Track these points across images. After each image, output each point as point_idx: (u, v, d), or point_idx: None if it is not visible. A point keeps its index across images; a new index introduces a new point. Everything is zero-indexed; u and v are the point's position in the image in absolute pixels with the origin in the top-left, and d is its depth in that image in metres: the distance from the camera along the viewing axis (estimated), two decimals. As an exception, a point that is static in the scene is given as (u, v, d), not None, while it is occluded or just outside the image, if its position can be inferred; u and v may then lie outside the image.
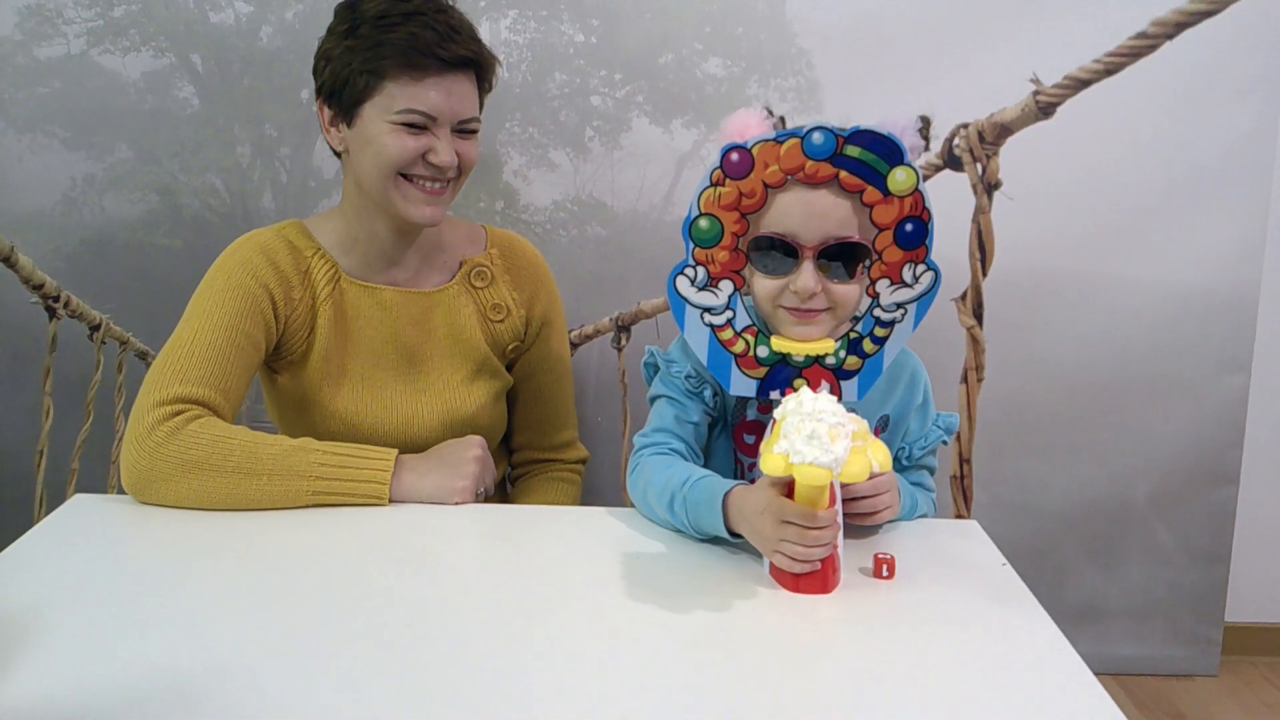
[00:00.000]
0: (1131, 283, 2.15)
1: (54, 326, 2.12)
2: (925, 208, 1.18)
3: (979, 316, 2.13)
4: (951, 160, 2.06)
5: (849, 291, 1.25)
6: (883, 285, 1.22)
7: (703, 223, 1.20)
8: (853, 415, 1.10)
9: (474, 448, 1.45)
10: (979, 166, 2.06)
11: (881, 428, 1.49)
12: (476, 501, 1.42)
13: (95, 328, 2.13)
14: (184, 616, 1.09)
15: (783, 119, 1.49)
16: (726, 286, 1.23)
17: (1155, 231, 2.13)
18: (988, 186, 2.07)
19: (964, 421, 2.19)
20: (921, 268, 1.21)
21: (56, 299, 2.11)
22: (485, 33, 2.00)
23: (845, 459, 1.05)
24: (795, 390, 1.19)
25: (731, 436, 1.50)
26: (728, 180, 1.18)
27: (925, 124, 1.44)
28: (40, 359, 2.14)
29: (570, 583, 1.18)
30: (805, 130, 1.14)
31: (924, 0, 2.03)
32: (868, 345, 1.25)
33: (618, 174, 2.12)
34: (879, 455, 1.10)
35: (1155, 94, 2.06)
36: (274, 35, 2.02)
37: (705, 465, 1.40)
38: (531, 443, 1.71)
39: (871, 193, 1.16)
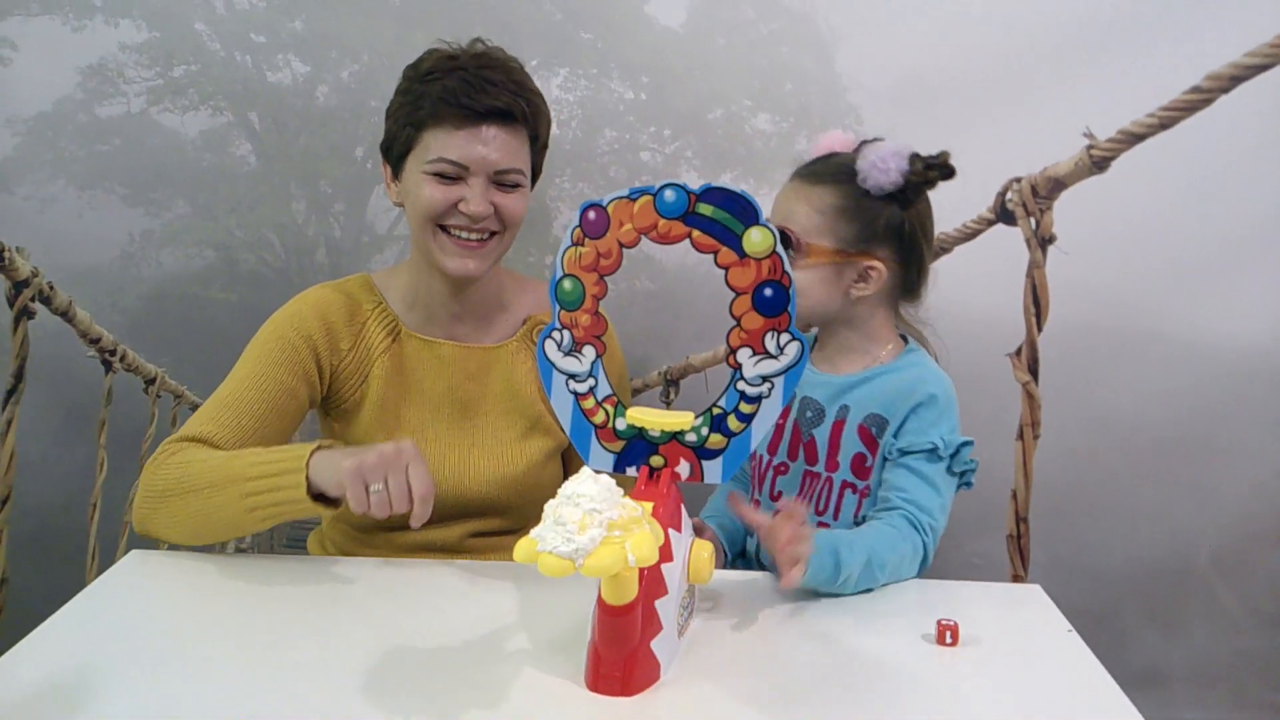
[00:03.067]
0: (1191, 338, 2.12)
1: (110, 380, 2.15)
2: (785, 271, 1.07)
3: (1034, 372, 2.10)
4: (1004, 214, 2.05)
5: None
6: (744, 355, 1.11)
7: (566, 284, 1.13)
8: (625, 502, 0.99)
9: (394, 444, 1.26)
10: (1032, 221, 2.04)
11: (880, 428, 1.43)
12: (370, 498, 1.21)
13: (150, 381, 2.15)
14: (243, 671, 1.08)
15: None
16: (589, 352, 1.15)
17: (1214, 286, 2.09)
18: (1042, 241, 2.05)
19: (1020, 480, 2.14)
20: (785, 337, 1.10)
21: (113, 353, 2.14)
22: (536, 91, 2.03)
23: (590, 549, 0.94)
24: (651, 466, 1.14)
25: None
26: (586, 240, 1.11)
27: (934, 159, 1.42)
28: (96, 412, 2.17)
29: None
30: (658, 188, 1.08)
31: (974, 55, 2.03)
32: (733, 423, 1.13)
33: (667, 229, 2.13)
34: (639, 549, 0.96)
35: (1211, 148, 2.04)
36: (329, 94, 2.06)
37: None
38: None
39: (726, 254, 1.07)
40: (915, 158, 1.40)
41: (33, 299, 2.11)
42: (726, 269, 1.08)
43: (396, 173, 1.48)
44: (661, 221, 1.08)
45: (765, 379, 1.11)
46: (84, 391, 2.16)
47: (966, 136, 2.05)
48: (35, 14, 2.07)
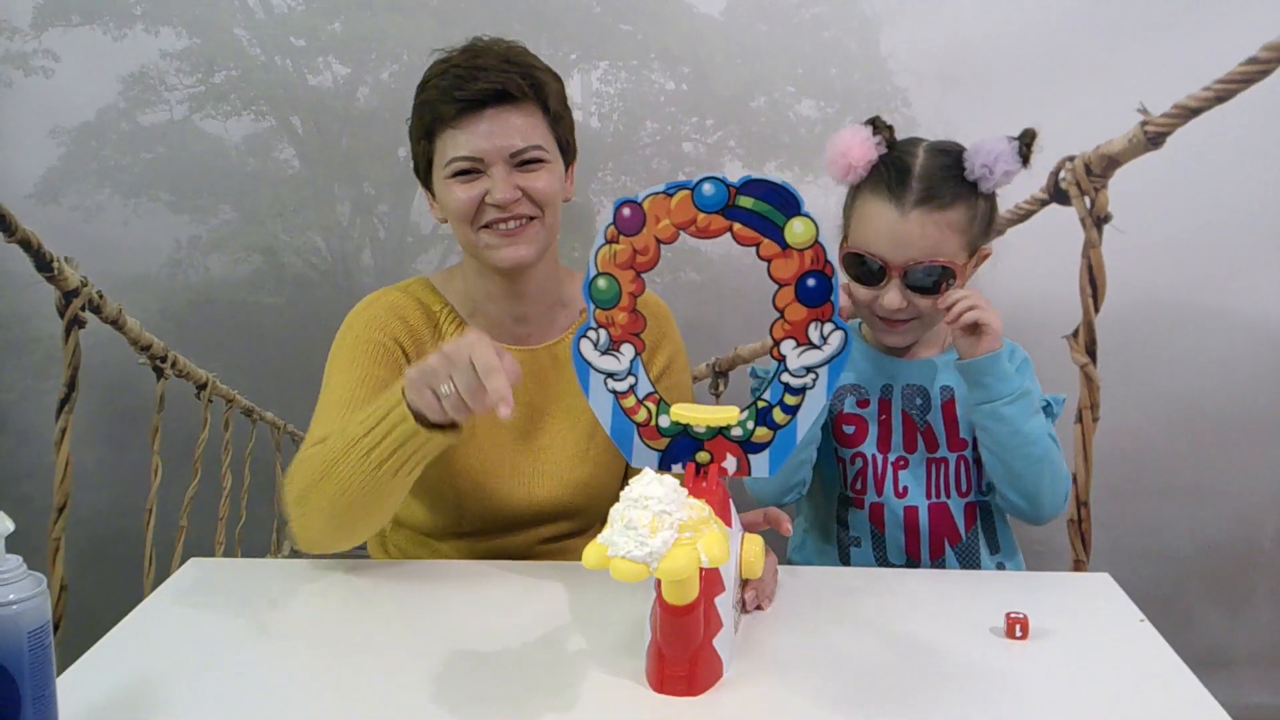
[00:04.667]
0: (1250, 314, 2.07)
1: (161, 386, 2.17)
2: (828, 261, 1.07)
3: (1092, 354, 2.06)
4: (1058, 194, 2.01)
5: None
6: (788, 347, 1.11)
7: (601, 282, 1.11)
8: (692, 502, 0.98)
9: (454, 339, 1.19)
10: (1087, 200, 2.00)
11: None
12: (443, 403, 1.15)
13: (201, 386, 2.17)
14: (310, 677, 1.08)
15: (891, 129, 1.49)
16: (628, 351, 1.13)
17: (1274, 261, 2.04)
18: (1097, 220, 2.01)
19: (1080, 463, 2.11)
20: (829, 327, 1.10)
21: (164, 359, 2.15)
22: (576, 85, 2.01)
23: (664, 553, 0.94)
24: (697, 463, 1.13)
25: (831, 430, 1.53)
26: (621, 237, 1.10)
27: (1026, 140, 1.43)
28: (148, 418, 2.18)
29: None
30: (695, 182, 1.07)
31: (1023, 32, 1.99)
32: (778, 415, 1.13)
33: (711, 219, 2.11)
34: (711, 549, 0.96)
35: (1268, 121, 1.98)
36: (370, 96, 2.06)
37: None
38: None
39: (768, 246, 1.07)
40: (1019, 145, 1.43)
41: (83, 308, 2.13)
42: (769, 261, 1.08)
43: (431, 190, 1.46)
44: (701, 216, 1.07)
45: (810, 370, 1.12)
46: (136, 399, 2.17)
47: (1017, 116, 1.98)
48: (76, 24, 2.08)
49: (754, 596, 1.23)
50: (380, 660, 1.13)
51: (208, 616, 1.24)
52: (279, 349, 2.14)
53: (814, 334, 1.10)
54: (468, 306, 1.51)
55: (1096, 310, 2.05)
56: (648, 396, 1.15)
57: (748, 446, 1.15)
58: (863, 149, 1.47)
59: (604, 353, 1.14)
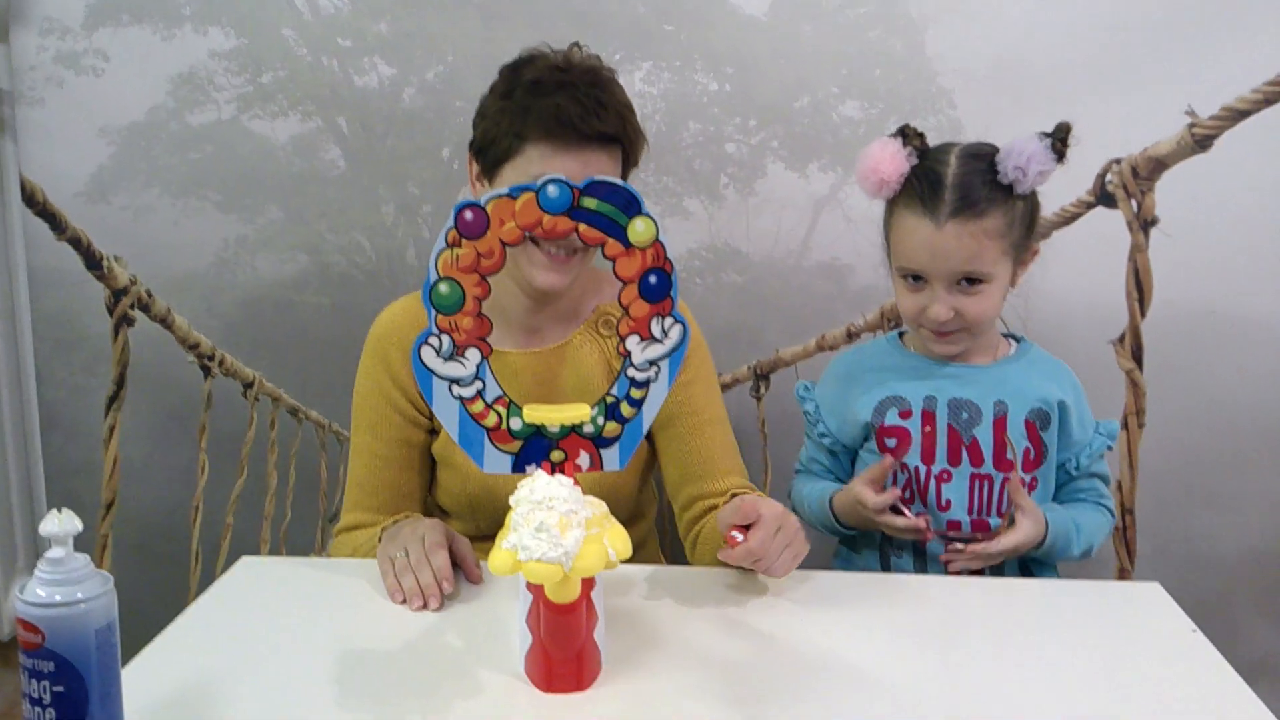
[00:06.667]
0: (1300, 320, 2.04)
1: (209, 385, 2.19)
2: (667, 258, 1.11)
3: (1138, 359, 2.04)
4: (1104, 197, 1.99)
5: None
6: (633, 342, 1.13)
7: (442, 288, 1.10)
8: (589, 499, 1.03)
9: (418, 538, 1.35)
10: (1134, 203, 1.98)
11: (1043, 422, 1.48)
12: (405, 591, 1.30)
13: (248, 385, 2.19)
14: (365, 681, 1.09)
15: (922, 136, 1.49)
16: (474, 355, 1.13)
17: (1324, 266, 2.02)
18: (1144, 224, 1.99)
19: (1125, 470, 2.09)
20: (669, 321, 1.14)
21: (211, 358, 2.18)
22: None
23: (577, 551, 0.97)
24: (552, 462, 1.14)
25: (875, 442, 1.51)
26: (464, 241, 1.09)
27: (1060, 134, 1.43)
28: (196, 417, 2.21)
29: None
30: (540, 184, 1.08)
31: (1069, 33, 1.97)
32: (625, 409, 1.15)
33: (753, 220, 2.11)
34: (617, 542, 1.02)
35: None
36: (415, 96, 2.06)
37: (854, 473, 1.61)
38: (703, 491, 1.58)
39: (612, 245, 1.10)
40: (1052, 141, 1.43)
41: (132, 306, 2.16)
42: (614, 260, 1.11)
43: (490, 176, 1.47)
44: (546, 217, 1.09)
45: (652, 363, 1.15)
46: (183, 396, 2.20)
47: (1063, 116, 1.99)
48: (125, 24, 2.10)
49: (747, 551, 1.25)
50: (434, 660, 1.14)
51: (261, 614, 1.26)
52: (324, 348, 2.15)
53: (656, 328, 1.14)
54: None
55: (1143, 315, 2.03)
56: (496, 400, 1.15)
57: (598, 442, 1.17)
58: (893, 163, 1.47)
59: (447, 359, 1.13)
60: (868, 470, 1.51)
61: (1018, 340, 1.62)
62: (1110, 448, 1.56)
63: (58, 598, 0.87)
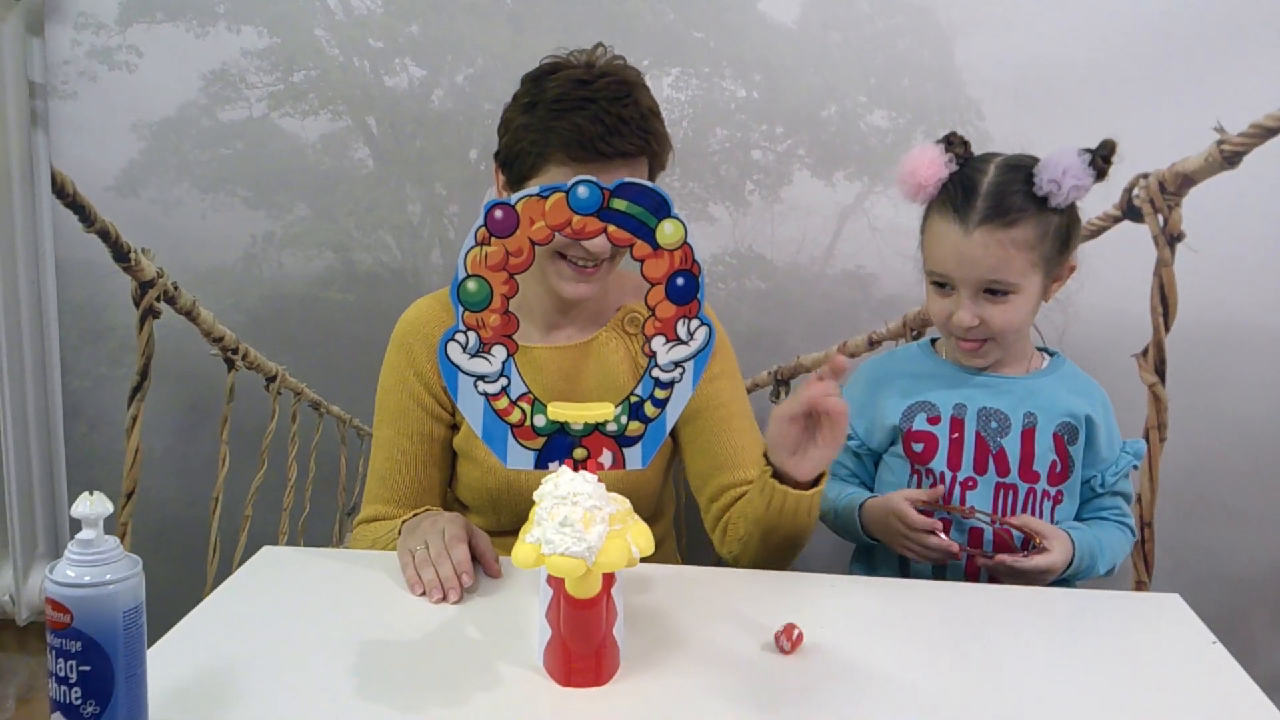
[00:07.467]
0: (1325, 338, 2.03)
1: (232, 377, 2.21)
2: (695, 261, 1.12)
3: (1161, 373, 2.03)
4: (1131, 211, 1.98)
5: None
6: (658, 343, 1.15)
7: (470, 285, 1.12)
8: (613, 496, 1.04)
9: (439, 532, 1.36)
10: (1160, 218, 1.98)
11: (1071, 436, 1.48)
12: (425, 584, 1.31)
13: (271, 379, 2.20)
14: (384, 672, 1.10)
15: (967, 144, 1.50)
16: (500, 352, 1.14)
17: (1351, 284, 2.01)
18: (1170, 238, 1.98)
19: (1145, 484, 2.08)
20: (695, 323, 1.15)
21: (235, 351, 2.19)
22: (647, 91, 2.02)
23: (600, 546, 0.98)
24: (575, 460, 1.15)
25: (901, 446, 1.52)
26: (493, 239, 1.11)
27: (1104, 151, 1.43)
28: (219, 409, 2.22)
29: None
30: (570, 184, 1.09)
31: (1099, 47, 1.97)
32: (649, 409, 1.17)
33: (778, 227, 2.11)
34: (640, 539, 1.04)
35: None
36: (445, 98, 2.08)
37: (879, 477, 1.63)
38: (734, 480, 1.58)
39: (641, 247, 1.11)
40: (1094, 157, 1.43)
41: (158, 299, 2.18)
42: (642, 261, 1.12)
43: (514, 189, 1.48)
44: (576, 218, 1.10)
45: (678, 364, 1.17)
46: (207, 389, 2.22)
47: (1092, 130, 1.98)
48: (159, 21, 2.12)
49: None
50: (453, 652, 1.15)
51: (282, 604, 1.27)
52: (348, 344, 2.17)
53: (682, 330, 1.15)
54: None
55: (1167, 329, 2.02)
56: (521, 397, 1.16)
57: (621, 440, 1.18)
58: (931, 168, 1.48)
59: (474, 355, 1.14)
60: (914, 490, 1.51)
61: (1051, 354, 1.62)
62: (1136, 467, 1.56)
63: (87, 579, 0.88)
